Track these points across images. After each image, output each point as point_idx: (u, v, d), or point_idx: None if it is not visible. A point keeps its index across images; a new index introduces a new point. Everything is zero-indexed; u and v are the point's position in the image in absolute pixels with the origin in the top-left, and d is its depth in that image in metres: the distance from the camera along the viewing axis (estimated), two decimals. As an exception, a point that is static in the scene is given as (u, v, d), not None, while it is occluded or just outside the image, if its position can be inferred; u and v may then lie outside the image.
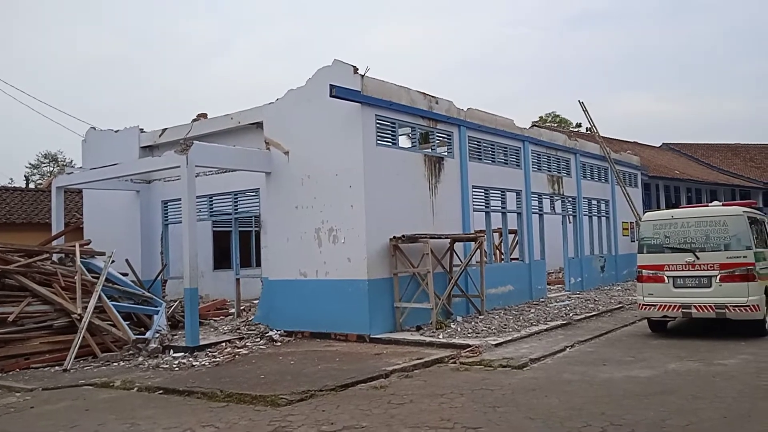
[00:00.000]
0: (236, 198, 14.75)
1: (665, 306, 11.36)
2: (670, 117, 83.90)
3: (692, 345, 10.73)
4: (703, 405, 7.04)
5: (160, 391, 8.83)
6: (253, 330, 13.13)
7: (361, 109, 12.08)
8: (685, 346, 10.68)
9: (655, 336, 11.82)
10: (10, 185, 20.52)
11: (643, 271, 11.76)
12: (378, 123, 12.53)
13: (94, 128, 17.55)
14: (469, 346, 10.64)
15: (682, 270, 11.27)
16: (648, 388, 7.91)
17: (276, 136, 13.38)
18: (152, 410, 7.79)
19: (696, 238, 11.32)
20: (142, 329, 13.01)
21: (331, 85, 11.56)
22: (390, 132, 12.90)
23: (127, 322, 12.89)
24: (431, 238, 12.59)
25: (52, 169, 50.26)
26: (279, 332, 12.83)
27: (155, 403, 8.18)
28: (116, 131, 16.88)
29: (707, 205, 13.28)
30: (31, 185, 44.67)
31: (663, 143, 43.70)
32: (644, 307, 11.69)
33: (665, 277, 11.43)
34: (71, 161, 48.08)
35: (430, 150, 14.19)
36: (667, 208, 26.70)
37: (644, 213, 20.11)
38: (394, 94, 12.85)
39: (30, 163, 53.47)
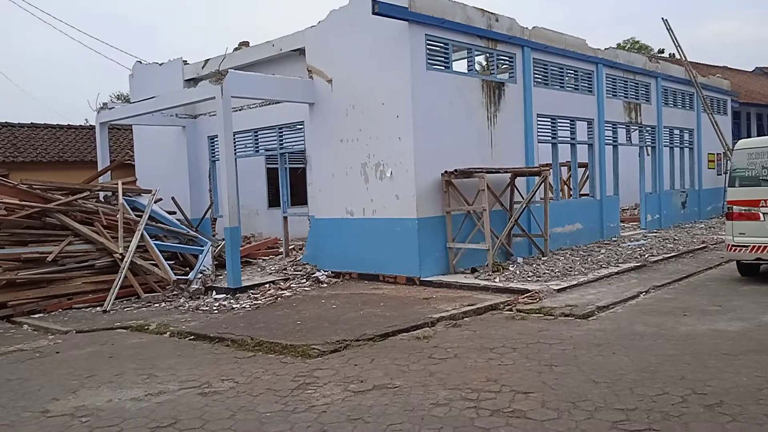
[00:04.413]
0: (281, 132, 13.90)
1: (759, 247, 9.87)
2: (763, 39, 76.64)
3: (791, 292, 9.30)
4: (810, 369, 5.80)
5: (191, 337, 8.32)
6: (300, 271, 12.51)
7: (409, 28, 10.79)
8: (781, 293, 9.26)
9: (745, 281, 10.38)
10: (63, 124, 20.32)
11: (734, 207, 10.24)
12: (428, 44, 11.22)
13: (140, 62, 16.99)
14: (528, 291, 9.59)
15: (782, 206, 9.70)
16: (738, 345, 6.68)
17: (319, 63, 12.31)
18: (176, 359, 7.24)
19: (801, 169, 9.67)
20: (187, 269, 12.62)
21: (373, 0, 10.30)
22: (442, 54, 11.56)
23: (173, 262, 12.55)
24: (488, 172, 11.38)
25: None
26: (326, 273, 12.16)
27: (181, 351, 7.64)
28: (161, 64, 16.24)
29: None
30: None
31: (756, 67, 39.75)
32: (734, 248, 10.22)
33: (761, 214, 9.89)
34: (139, 101, 48.49)
35: (488, 74, 12.77)
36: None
37: (734, 143, 18.03)
38: (447, 10, 11.45)
39: (103, 103, 54.47)
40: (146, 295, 11.35)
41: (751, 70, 39.09)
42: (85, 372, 6.87)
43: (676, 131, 19.75)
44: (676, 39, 21.24)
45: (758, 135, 28.99)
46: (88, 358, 7.51)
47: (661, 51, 47.51)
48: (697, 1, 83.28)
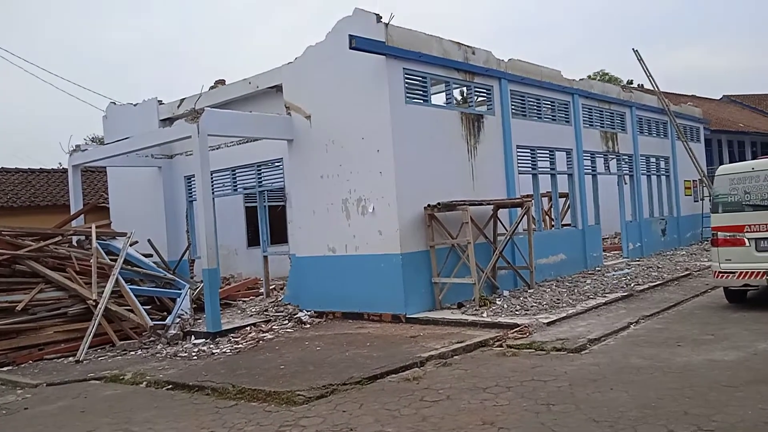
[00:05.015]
0: (260, 170, 13.67)
1: (746, 273, 9.78)
2: (728, 69, 78.85)
3: (781, 318, 9.19)
4: (814, 399, 5.62)
5: (169, 386, 7.91)
6: (282, 311, 12.15)
7: (387, 63, 10.72)
8: (772, 319, 9.15)
9: (734, 308, 10.28)
10: (35, 168, 19.88)
11: (719, 233, 10.18)
12: (407, 78, 11.16)
13: (114, 103, 16.74)
14: (518, 325, 9.36)
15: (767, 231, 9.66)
16: (737, 375, 6.50)
17: (296, 99, 12.19)
18: (153, 411, 6.84)
19: (783, 193, 9.67)
20: (165, 313, 12.20)
21: (350, 35, 10.23)
22: (420, 87, 11.52)
23: (149, 306, 12.13)
24: (471, 204, 11.25)
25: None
26: (309, 313, 11.82)
27: (158, 403, 7.23)
28: (135, 105, 16.01)
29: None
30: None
31: (723, 96, 40.69)
32: (721, 275, 10.14)
33: (746, 240, 9.84)
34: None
35: (467, 107, 12.76)
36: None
37: (709, 170, 18.20)
38: (423, 44, 11.44)
39: (76, 146, 53.69)
40: (122, 342, 10.89)
41: (719, 99, 40.00)
42: (55, 429, 6.46)
43: (653, 159, 19.92)
44: (647, 68, 21.60)
45: (730, 161, 29.41)
46: (59, 414, 7.08)
47: (630, 82, 48.43)
48: (660, 31, 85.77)
